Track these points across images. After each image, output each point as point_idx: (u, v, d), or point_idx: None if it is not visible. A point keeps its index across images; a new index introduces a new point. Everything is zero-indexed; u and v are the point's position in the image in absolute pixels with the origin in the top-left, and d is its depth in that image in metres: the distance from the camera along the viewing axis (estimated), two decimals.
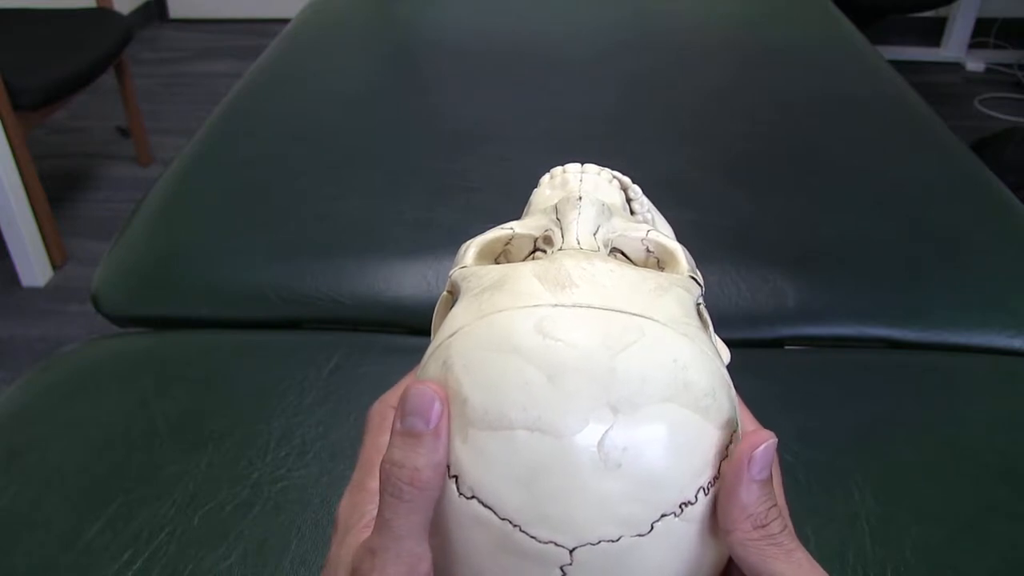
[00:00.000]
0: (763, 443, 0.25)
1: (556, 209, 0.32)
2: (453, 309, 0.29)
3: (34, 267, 1.69)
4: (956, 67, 2.76)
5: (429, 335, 0.32)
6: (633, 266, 0.30)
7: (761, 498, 0.25)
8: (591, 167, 0.36)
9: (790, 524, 0.27)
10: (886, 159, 0.81)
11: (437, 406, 0.25)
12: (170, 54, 2.95)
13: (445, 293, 0.32)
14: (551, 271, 0.27)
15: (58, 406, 0.55)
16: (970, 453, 0.51)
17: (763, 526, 0.24)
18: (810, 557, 0.25)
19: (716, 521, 0.25)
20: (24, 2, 2.00)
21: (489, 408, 0.24)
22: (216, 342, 0.62)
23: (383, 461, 0.25)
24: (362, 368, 0.57)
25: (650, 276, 0.28)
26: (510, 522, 0.24)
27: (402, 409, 0.25)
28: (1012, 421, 0.54)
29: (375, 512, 0.28)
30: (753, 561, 0.24)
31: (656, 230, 0.32)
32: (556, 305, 0.26)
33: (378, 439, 0.31)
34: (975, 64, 2.74)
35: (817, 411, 0.54)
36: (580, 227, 0.31)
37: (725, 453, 0.25)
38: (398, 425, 0.25)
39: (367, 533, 0.27)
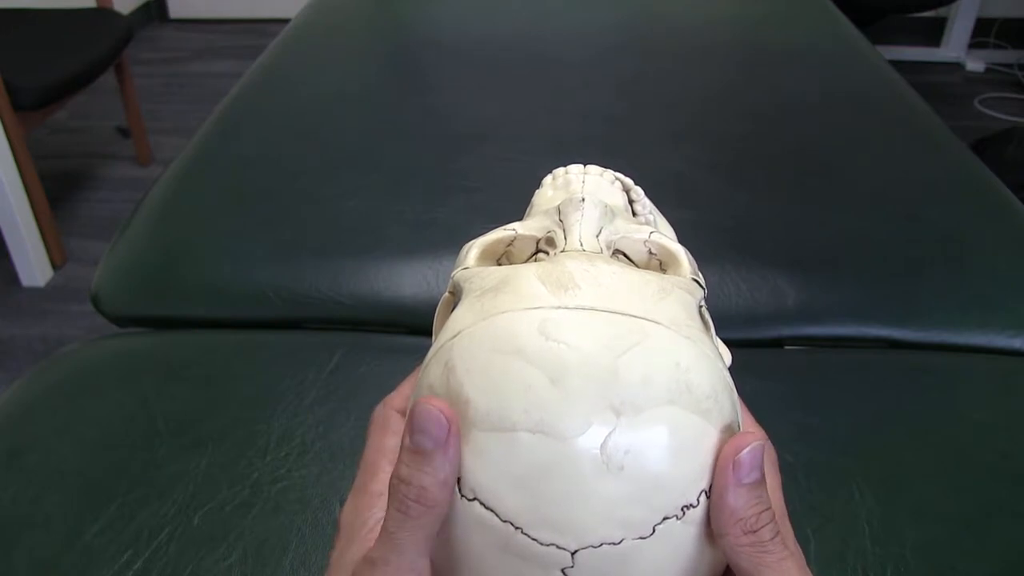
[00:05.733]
0: (748, 445, 0.24)
1: (559, 210, 0.32)
2: (455, 311, 0.29)
3: (34, 267, 1.68)
4: (956, 67, 2.76)
5: (429, 335, 0.32)
6: (636, 268, 0.30)
7: (750, 502, 0.24)
8: (593, 168, 0.36)
9: (786, 529, 0.26)
10: (886, 159, 0.81)
11: (444, 424, 0.24)
12: (170, 54, 2.95)
13: (447, 294, 0.32)
14: (554, 273, 0.27)
15: (58, 406, 0.55)
16: (970, 453, 0.51)
17: (753, 531, 0.24)
18: (803, 566, 0.25)
19: None
20: (24, 2, 2.00)
21: (491, 410, 0.24)
22: (216, 342, 0.62)
23: (392, 475, 0.25)
24: (362, 368, 0.57)
25: (652, 278, 0.28)
26: (512, 524, 0.24)
27: (410, 426, 0.25)
28: (1012, 421, 0.54)
29: (377, 517, 0.28)
30: (744, 567, 0.24)
31: (658, 232, 0.32)
32: (559, 307, 0.26)
33: (381, 441, 0.30)
34: (975, 64, 2.74)
35: (817, 411, 0.54)
36: (583, 228, 0.30)
37: None
38: (407, 441, 0.25)
39: (370, 541, 0.26)
